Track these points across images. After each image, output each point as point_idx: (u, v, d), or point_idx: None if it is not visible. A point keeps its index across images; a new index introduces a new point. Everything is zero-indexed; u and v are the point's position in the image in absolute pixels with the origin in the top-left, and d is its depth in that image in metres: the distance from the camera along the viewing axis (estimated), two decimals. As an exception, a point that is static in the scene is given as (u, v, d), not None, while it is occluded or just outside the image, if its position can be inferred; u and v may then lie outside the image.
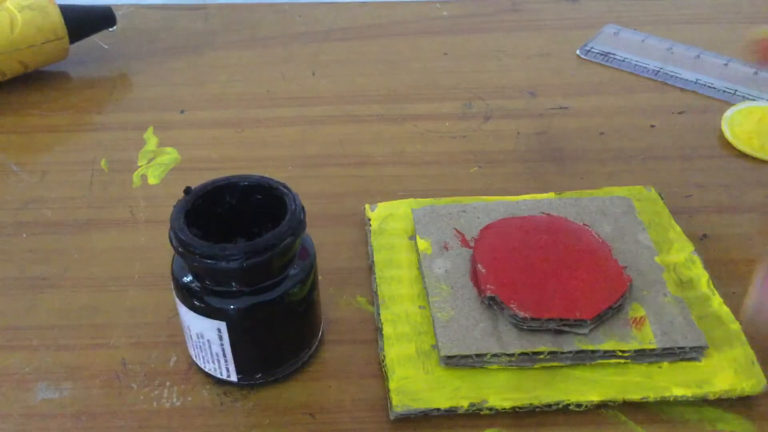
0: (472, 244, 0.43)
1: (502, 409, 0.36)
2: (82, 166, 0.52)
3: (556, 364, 0.38)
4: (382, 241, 0.44)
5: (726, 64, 0.60)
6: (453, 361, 0.38)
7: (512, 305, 0.38)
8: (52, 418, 0.37)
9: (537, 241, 0.42)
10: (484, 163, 0.52)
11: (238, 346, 0.36)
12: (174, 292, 0.36)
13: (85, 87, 0.60)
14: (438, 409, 0.36)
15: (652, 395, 0.36)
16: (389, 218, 0.46)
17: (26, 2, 0.57)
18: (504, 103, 0.57)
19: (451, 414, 0.36)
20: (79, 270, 0.44)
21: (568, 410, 0.37)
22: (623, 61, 0.61)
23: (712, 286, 0.41)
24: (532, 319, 0.38)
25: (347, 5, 0.70)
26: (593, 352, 0.38)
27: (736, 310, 0.40)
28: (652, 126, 0.54)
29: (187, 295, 0.35)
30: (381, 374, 0.38)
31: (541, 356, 0.38)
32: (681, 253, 0.43)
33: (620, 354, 0.38)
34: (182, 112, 0.57)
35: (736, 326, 0.39)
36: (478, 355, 0.37)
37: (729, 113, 0.54)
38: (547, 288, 0.39)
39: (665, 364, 0.38)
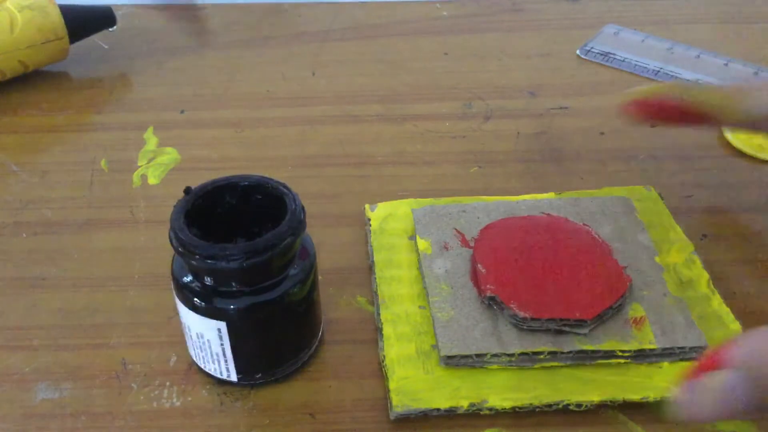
0: (472, 244, 0.43)
1: (502, 409, 0.36)
2: (82, 166, 0.51)
3: (556, 364, 0.38)
4: (382, 241, 0.44)
5: (726, 64, 0.60)
6: (453, 361, 0.38)
7: (512, 305, 0.38)
8: (52, 418, 0.37)
9: (537, 241, 0.42)
10: (484, 163, 0.52)
11: (238, 346, 0.36)
12: (174, 292, 0.36)
13: (85, 87, 0.60)
14: (438, 409, 0.36)
15: (652, 395, 0.36)
16: (389, 218, 0.46)
17: (26, 2, 0.57)
18: (504, 103, 0.57)
19: (451, 414, 0.36)
20: (79, 270, 0.44)
21: (568, 410, 0.37)
22: (623, 61, 0.61)
23: (712, 286, 0.41)
24: (532, 319, 0.38)
25: (347, 5, 0.70)
26: (593, 352, 0.38)
27: (736, 310, 0.40)
28: (652, 126, 0.54)
29: (187, 295, 0.35)
30: (381, 374, 0.38)
31: (541, 356, 0.38)
32: (681, 253, 0.43)
33: (620, 354, 0.38)
34: (182, 112, 0.57)
35: (736, 326, 0.39)
36: (478, 355, 0.37)
37: (729, 113, 0.54)
38: (547, 288, 0.39)
39: (665, 364, 0.38)
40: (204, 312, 0.35)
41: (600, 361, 0.38)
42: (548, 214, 0.45)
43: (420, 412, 0.36)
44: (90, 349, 0.40)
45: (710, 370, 0.29)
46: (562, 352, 0.37)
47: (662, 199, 0.47)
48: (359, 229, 0.46)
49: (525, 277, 0.40)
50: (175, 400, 0.38)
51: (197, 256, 0.33)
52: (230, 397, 0.38)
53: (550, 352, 0.37)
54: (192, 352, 0.38)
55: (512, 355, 0.37)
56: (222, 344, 0.36)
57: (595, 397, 0.36)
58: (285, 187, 0.37)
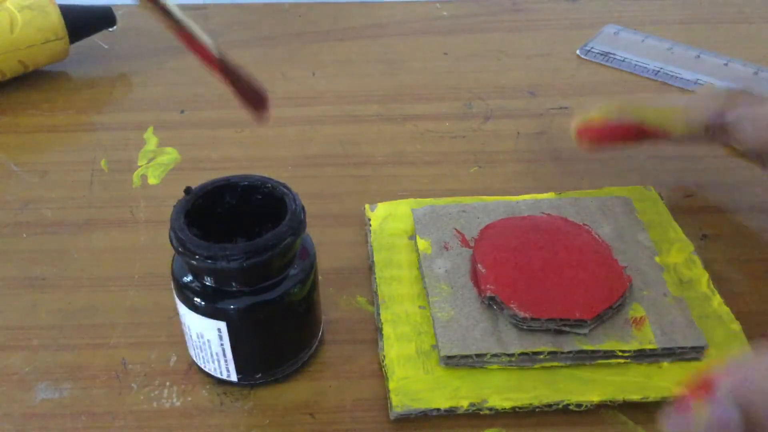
0: (472, 244, 0.43)
1: (502, 409, 0.36)
2: (82, 166, 0.51)
3: (556, 364, 0.38)
4: (382, 241, 0.44)
5: (726, 64, 0.60)
6: (453, 361, 0.38)
7: (512, 305, 0.38)
8: (52, 418, 0.37)
9: (537, 241, 0.42)
10: (484, 163, 0.52)
11: (238, 346, 0.36)
12: (174, 292, 0.36)
13: (85, 87, 0.60)
14: (438, 409, 0.36)
15: (652, 395, 0.36)
16: (389, 218, 0.46)
17: (26, 2, 0.57)
18: (504, 103, 0.57)
19: (451, 414, 0.36)
20: (79, 270, 0.44)
21: (568, 410, 0.37)
22: (623, 61, 0.61)
23: (712, 286, 0.41)
24: (532, 319, 0.38)
25: (347, 5, 0.70)
26: (593, 352, 0.38)
27: (736, 310, 0.40)
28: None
29: (188, 295, 0.35)
30: (381, 374, 0.38)
31: (541, 356, 0.38)
32: (681, 253, 0.43)
33: (620, 354, 0.38)
34: (182, 112, 0.57)
35: (736, 326, 0.39)
36: (478, 355, 0.37)
37: (729, 113, 0.54)
38: (547, 288, 0.39)
39: (665, 364, 0.38)
40: (204, 312, 0.35)
41: (600, 361, 0.38)
42: (548, 214, 0.45)
43: (420, 412, 0.36)
44: (90, 349, 0.40)
45: (699, 399, 0.30)
46: (562, 352, 0.37)
47: (662, 199, 0.47)
48: (359, 229, 0.46)
49: (525, 277, 0.40)
50: (175, 400, 0.38)
51: (197, 256, 0.34)
52: (230, 397, 0.38)
53: (550, 352, 0.37)
54: (192, 352, 0.38)
55: (512, 355, 0.37)
56: (222, 344, 0.36)
57: (595, 397, 0.36)
58: (285, 187, 0.37)
